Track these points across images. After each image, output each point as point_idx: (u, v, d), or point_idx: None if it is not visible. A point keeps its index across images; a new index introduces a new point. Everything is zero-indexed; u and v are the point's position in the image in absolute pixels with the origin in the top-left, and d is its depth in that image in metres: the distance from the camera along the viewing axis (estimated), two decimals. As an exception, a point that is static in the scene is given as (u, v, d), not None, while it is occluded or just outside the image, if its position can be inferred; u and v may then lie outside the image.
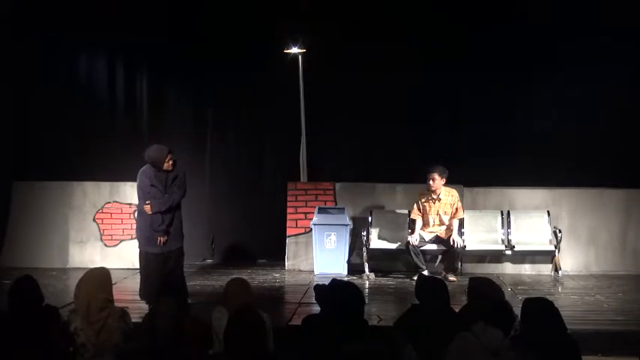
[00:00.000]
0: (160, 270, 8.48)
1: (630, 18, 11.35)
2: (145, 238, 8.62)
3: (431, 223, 10.58)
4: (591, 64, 11.53)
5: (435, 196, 10.50)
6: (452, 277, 10.27)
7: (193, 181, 12.12)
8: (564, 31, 11.57)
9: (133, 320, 5.71)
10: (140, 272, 8.76)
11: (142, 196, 8.64)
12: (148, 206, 8.53)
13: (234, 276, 7.39)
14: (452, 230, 10.52)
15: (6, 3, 11.33)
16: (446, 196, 10.53)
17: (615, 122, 11.70)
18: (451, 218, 10.54)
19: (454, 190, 10.60)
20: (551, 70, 11.79)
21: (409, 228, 10.85)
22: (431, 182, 10.41)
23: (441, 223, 10.57)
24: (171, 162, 8.61)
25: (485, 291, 5.72)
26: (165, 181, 8.60)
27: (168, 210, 8.56)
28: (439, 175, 10.41)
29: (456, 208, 10.53)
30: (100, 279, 5.64)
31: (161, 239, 8.51)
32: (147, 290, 8.40)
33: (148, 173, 8.63)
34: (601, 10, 11.39)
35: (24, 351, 5.15)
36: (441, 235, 10.59)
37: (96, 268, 5.90)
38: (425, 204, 10.58)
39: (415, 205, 10.65)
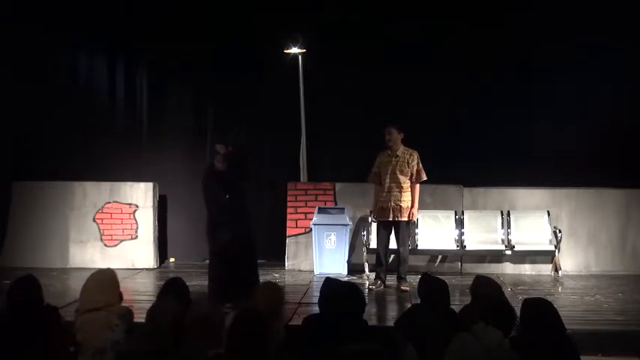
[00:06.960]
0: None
1: (629, 18, 11.36)
2: None
3: (387, 186, 9.59)
4: (591, 64, 11.52)
5: (391, 152, 9.66)
6: (404, 287, 9.52)
7: (193, 181, 12.19)
8: (564, 31, 11.56)
9: (135, 320, 5.71)
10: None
11: None
12: None
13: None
14: (407, 207, 9.55)
15: (6, 3, 11.33)
16: (404, 154, 9.62)
17: (615, 122, 11.69)
18: (413, 183, 9.60)
19: (415, 152, 9.68)
20: (551, 70, 11.79)
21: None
22: (387, 136, 9.60)
23: (398, 186, 9.55)
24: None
25: (489, 291, 5.72)
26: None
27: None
28: (396, 129, 9.60)
29: (417, 170, 9.57)
30: (103, 279, 5.64)
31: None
32: None
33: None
34: (600, 10, 11.39)
35: (24, 351, 5.15)
36: (398, 214, 9.52)
37: (102, 269, 5.90)
38: (381, 164, 9.70)
39: (372, 169, 9.81)
